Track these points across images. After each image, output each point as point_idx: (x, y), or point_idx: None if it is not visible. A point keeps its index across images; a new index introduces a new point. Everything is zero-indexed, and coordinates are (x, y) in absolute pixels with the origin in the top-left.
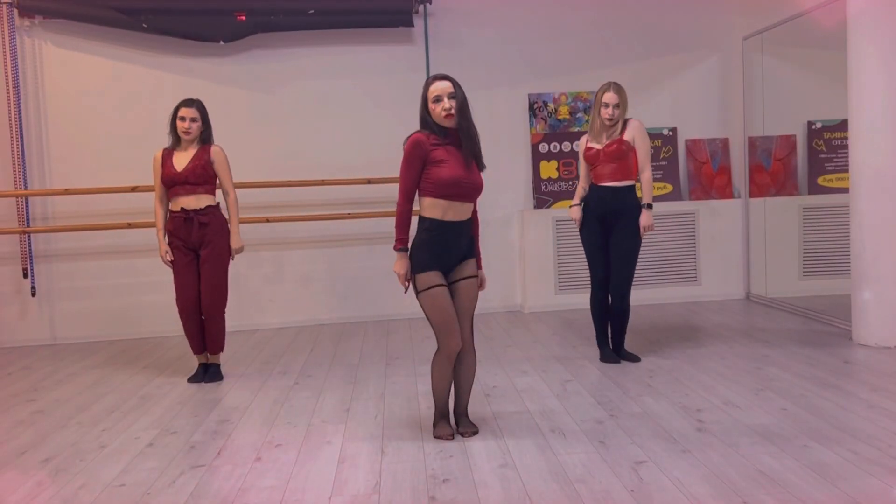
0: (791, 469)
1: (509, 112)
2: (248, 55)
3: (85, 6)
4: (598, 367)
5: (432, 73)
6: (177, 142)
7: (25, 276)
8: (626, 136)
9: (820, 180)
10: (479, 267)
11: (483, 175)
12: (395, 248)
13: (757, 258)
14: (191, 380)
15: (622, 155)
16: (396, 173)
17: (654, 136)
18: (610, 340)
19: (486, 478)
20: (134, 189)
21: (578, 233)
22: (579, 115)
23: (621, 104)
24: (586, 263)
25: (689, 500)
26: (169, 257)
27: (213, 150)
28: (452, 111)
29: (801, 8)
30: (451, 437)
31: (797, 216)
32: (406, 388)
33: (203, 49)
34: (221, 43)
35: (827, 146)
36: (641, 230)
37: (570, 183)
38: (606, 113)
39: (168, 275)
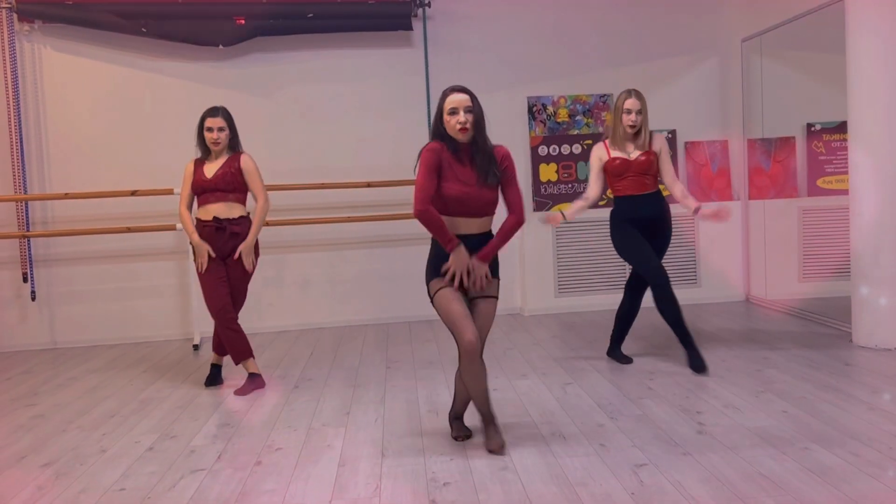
0: (792, 471)
1: (508, 115)
2: (247, 59)
3: (84, 11)
4: (598, 369)
5: (431, 76)
6: (206, 152)
7: (25, 280)
8: (654, 148)
9: (819, 182)
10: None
11: None
12: (450, 250)
13: (757, 260)
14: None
15: (650, 166)
16: (396, 177)
17: None
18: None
19: (486, 481)
20: (134, 193)
21: (611, 240)
22: (578, 117)
23: (643, 110)
24: (588, 266)
25: (689, 503)
26: (203, 268)
27: (243, 158)
28: (468, 125)
29: (799, 10)
30: (465, 438)
31: (797, 218)
32: (406, 391)
33: (202, 53)
34: (220, 47)
35: (826, 148)
36: (717, 219)
37: (570, 186)
38: (629, 120)
39: (168, 279)
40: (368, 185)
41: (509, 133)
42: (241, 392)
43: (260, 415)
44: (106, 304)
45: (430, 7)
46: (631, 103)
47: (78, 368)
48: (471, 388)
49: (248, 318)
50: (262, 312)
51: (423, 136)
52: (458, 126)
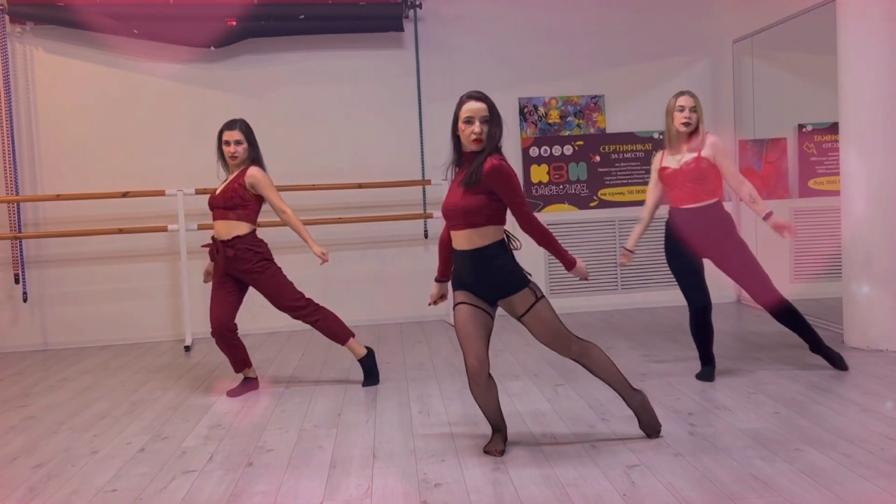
0: (783, 473)
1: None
2: (238, 60)
3: (76, 12)
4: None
5: (422, 77)
6: (226, 167)
7: (17, 281)
8: (705, 153)
9: (811, 183)
10: (569, 266)
11: None
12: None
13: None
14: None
15: (701, 175)
16: (387, 178)
17: (644, 139)
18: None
19: (477, 482)
20: (125, 195)
21: (667, 263)
22: (569, 118)
23: (697, 108)
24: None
25: None
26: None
27: (249, 171)
28: (483, 137)
29: (791, 11)
30: (499, 453)
31: (788, 219)
32: (397, 392)
33: (194, 55)
34: (212, 48)
35: (817, 149)
36: (785, 234)
37: (561, 187)
38: (682, 117)
39: (160, 280)
40: (360, 186)
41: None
42: (233, 393)
43: (251, 416)
44: (97, 305)
45: (421, 8)
46: (683, 100)
47: (69, 370)
48: (480, 404)
49: (240, 320)
50: (253, 313)
51: (414, 138)
52: (473, 136)
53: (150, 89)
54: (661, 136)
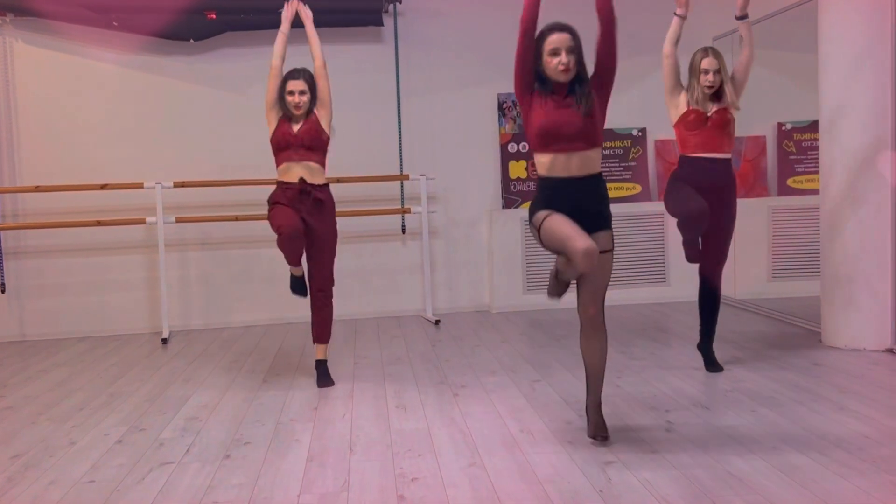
0: (760, 471)
1: (478, 112)
2: (217, 54)
3: (56, 4)
4: (567, 367)
5: (402, 72)
6: (289, 115)
7: None
8: (728, 101)
9: (790, 182)
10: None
11: (454, 174)
12: None
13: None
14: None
15: (727, 124)
16: (365, 172)
17: (623, 136)
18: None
19: (454, 477)
20: (104, 187)
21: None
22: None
23: (721, 68)
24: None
25: (657, 501)
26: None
27: (317, 111)
28: (571, 65)
29: (772, 9)
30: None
31: (766, 217)
32: (374, 386)
33: (173, 47)
34: (191, 41)
35: (797, 147)
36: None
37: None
38: (707, 80)
39: (138, 272)
40: (339, 180)
41: (479, 130)
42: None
43: (228, 409)
44: (75, 297)
45: (400, 3)
46: (708, 62)
47: (47, 361)
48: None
49: (216, 313)
50: (230, 307)
51: (393, 133)
52: (561, 67)
53: (129, 82)
54: (640, 133)
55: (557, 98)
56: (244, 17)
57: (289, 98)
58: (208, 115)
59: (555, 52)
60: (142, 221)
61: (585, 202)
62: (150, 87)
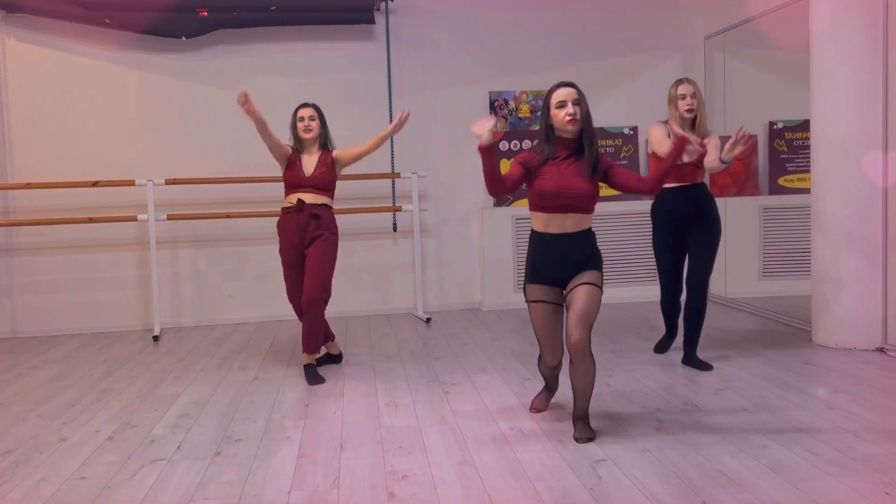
0: (750, 469)
1: (470, 110)
2: (209, 51)
3: (48, 1)
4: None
5: (393, 70)
6: (300, 145)
7: None
8: (708, 141)
9: (781, 180)
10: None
11: (445, 172)
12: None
13: (717, 258)
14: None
15: (700, 156)
16: (356, 171)
17: (614, 135)
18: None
19: (445, 475)
20: (95, 184)
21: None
22: (540, 113)
23: (697, 94)
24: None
25: (647, 499)
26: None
27: (335, 152)
28: (577, 116)
29: (763, 7)
30: (538, 411)
31: (758, 216)
32: (365, 384)
33: (165, 45)
34: (183, 39)
35: (788, 146)
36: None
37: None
38: (685, 105)
39: (129, 270)
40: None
41: (470, 128)
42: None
43: (219, 406)
44: (67, 294)
45: (392, 1)
46: (684, 88)
47: (38, 358)
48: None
49: (208, 310)
50: (221, 304)
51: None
52: (568, 118)
53: (121, 79)
54: (632, 132)
55: (565, 161)
56: (235, 14)
57: (299, 125)
58: (200, 112)
59: (561, 105)
60: (133, 218)
61: (574, 255)
62: (142, 84)
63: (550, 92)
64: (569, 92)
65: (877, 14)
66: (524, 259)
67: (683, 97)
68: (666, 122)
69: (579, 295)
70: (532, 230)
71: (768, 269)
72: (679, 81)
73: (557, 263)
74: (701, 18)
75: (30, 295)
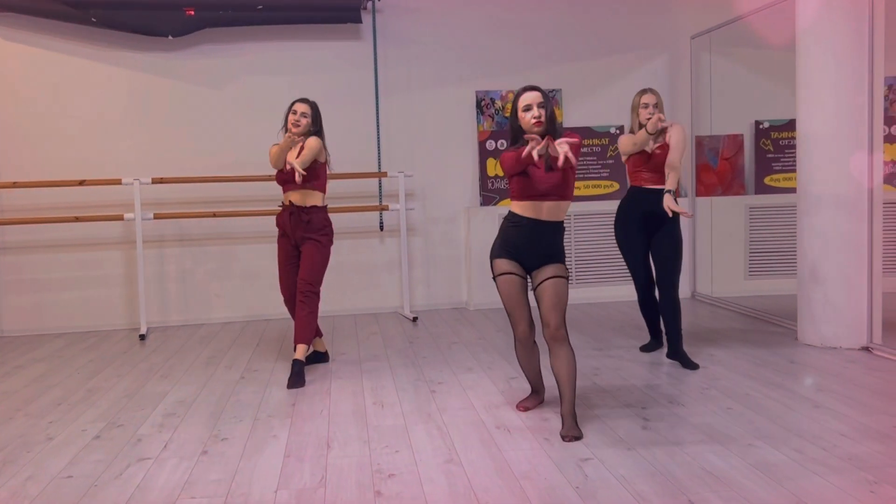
0: (736, 468)
1: (457, 109)
2: (196, 50)
3: (35, 0)
4: (543, 364)
5: (380, 69)
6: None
7: None
8: (669, 140)
9: (767, 180)
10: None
11: (432, 171)
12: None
13: (703, 257)
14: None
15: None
16: (343, 169)
17: (601, 134)
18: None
19: (431, 473)
20: (82, 183)
21: (615, 237)
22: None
23: (659, 104)
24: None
25: (634, 498)
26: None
27: (310, 139)
28: (542, 119)
29: (750, 7)
30: (525, 409)
31: (744, 215)
32: (351, 383)
33: (151, 44)
34: (170, 38)
35: (774, 146)
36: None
37: None
38: (647, 114)
39: (116, 269)
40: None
41: (457, 127)
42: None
43: (206, 405)
44: (53, 293)
45: (379, 0)
46: (647, 98)
47: (25, 357)
48: (520, 365)
49: (195, 309)
50: (208, 303)
51: (371, 130)
52: (533, 120)
53: (107, 78)
54: (619, 132)
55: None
56: (222, 13)
57: (291, 117)
58: (187, 111)
59: (528, 108)
60: (120, 218)
61: (543, 245)
62: (129, 83)
63: (518, 96)
64: (535, 96)
65: (862, 14)
66: None
67: (646, 106)
68: (631, 132)
69: (549, 288)
70: (509, 211)
71: (754, 269)
72: (643, 91)
73: (527, 247)
74: (687, 18)
75: (16, 294)
